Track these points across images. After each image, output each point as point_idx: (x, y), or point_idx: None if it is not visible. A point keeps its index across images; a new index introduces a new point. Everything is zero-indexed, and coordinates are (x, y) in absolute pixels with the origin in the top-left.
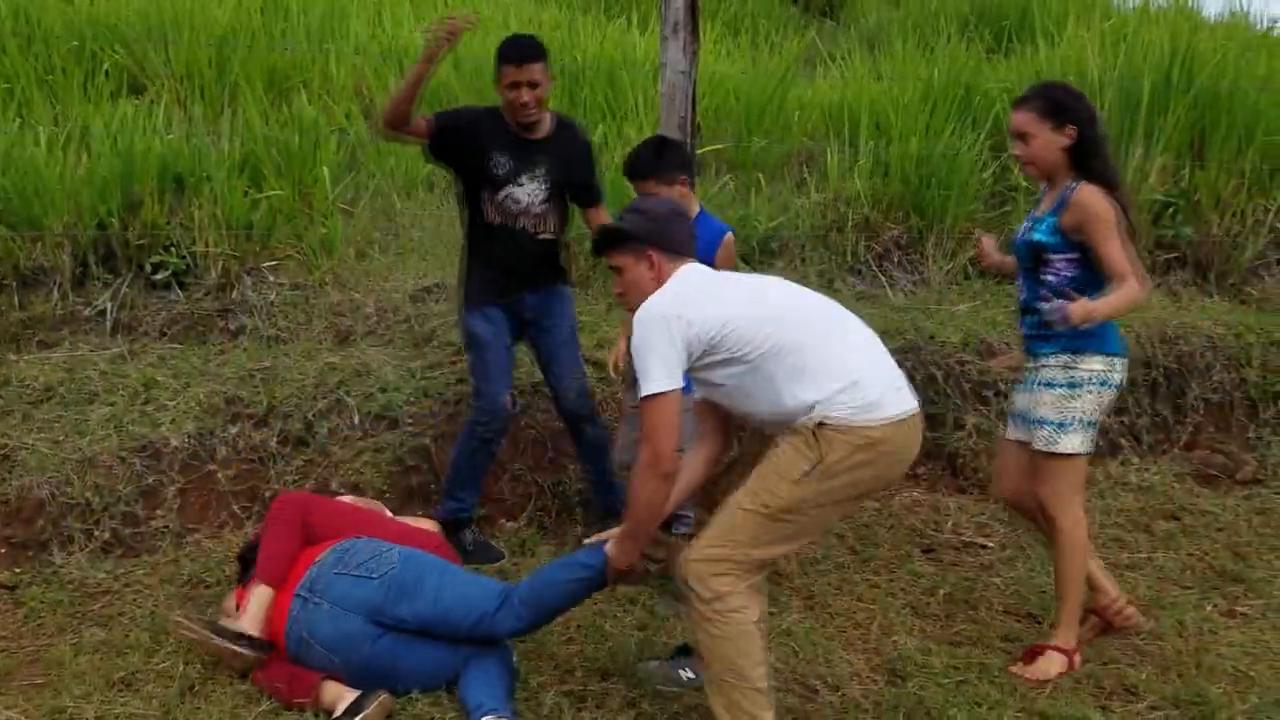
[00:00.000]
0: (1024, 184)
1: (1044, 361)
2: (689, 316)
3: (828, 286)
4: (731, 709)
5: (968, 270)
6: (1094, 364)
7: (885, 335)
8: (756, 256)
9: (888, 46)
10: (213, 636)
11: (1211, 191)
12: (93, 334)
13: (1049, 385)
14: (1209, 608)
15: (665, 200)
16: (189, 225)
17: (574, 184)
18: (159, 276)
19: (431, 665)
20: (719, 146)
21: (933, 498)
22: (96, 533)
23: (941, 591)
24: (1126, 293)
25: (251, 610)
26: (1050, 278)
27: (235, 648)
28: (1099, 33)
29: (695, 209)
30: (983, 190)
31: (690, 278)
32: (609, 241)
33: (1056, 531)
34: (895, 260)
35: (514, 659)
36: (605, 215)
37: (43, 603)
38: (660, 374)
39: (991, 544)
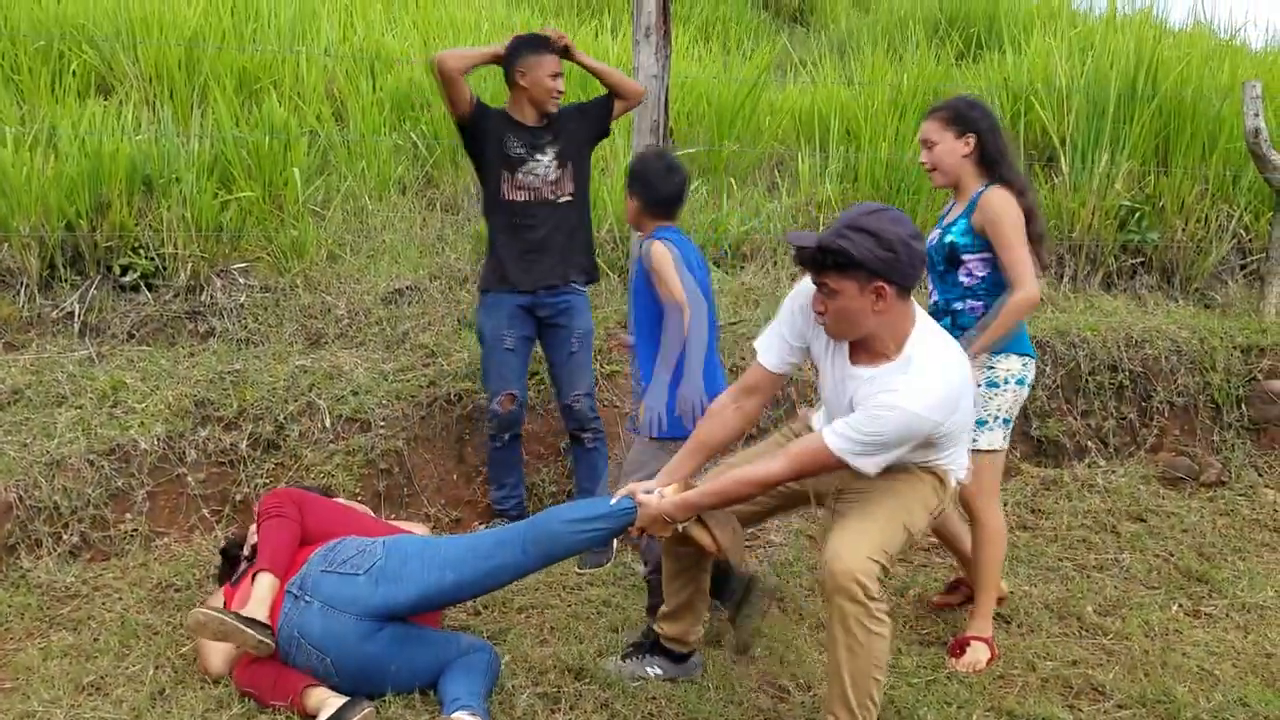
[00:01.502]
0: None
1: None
2: (944, 427)
3: None
4: (866, 703)
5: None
6: (1011, 364)
7: None
8: (729, 260)
9: (857, 52)
10: (236, 621)
11: (1176, 197)
12: (60, 336)
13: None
14: (1174, 608)
15: (900, 218)
16: (158, 227)
17: (583, 134)
18: (127, 278)
19: (423, 665)
20: (691, 150)
21: None
22: (65, 536)
23: (911, 592)
24: (1011, 309)
25: (260, 595)
26: (964, 278)
27: (257, 635)
28: (1066, 40)
29: None
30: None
31: (951, 364)
32: (829, 264)
33: (977, 525)
34: None
35: (499, 663)
36: (618, 76)
37: (10, 607)
38: (870, 467)
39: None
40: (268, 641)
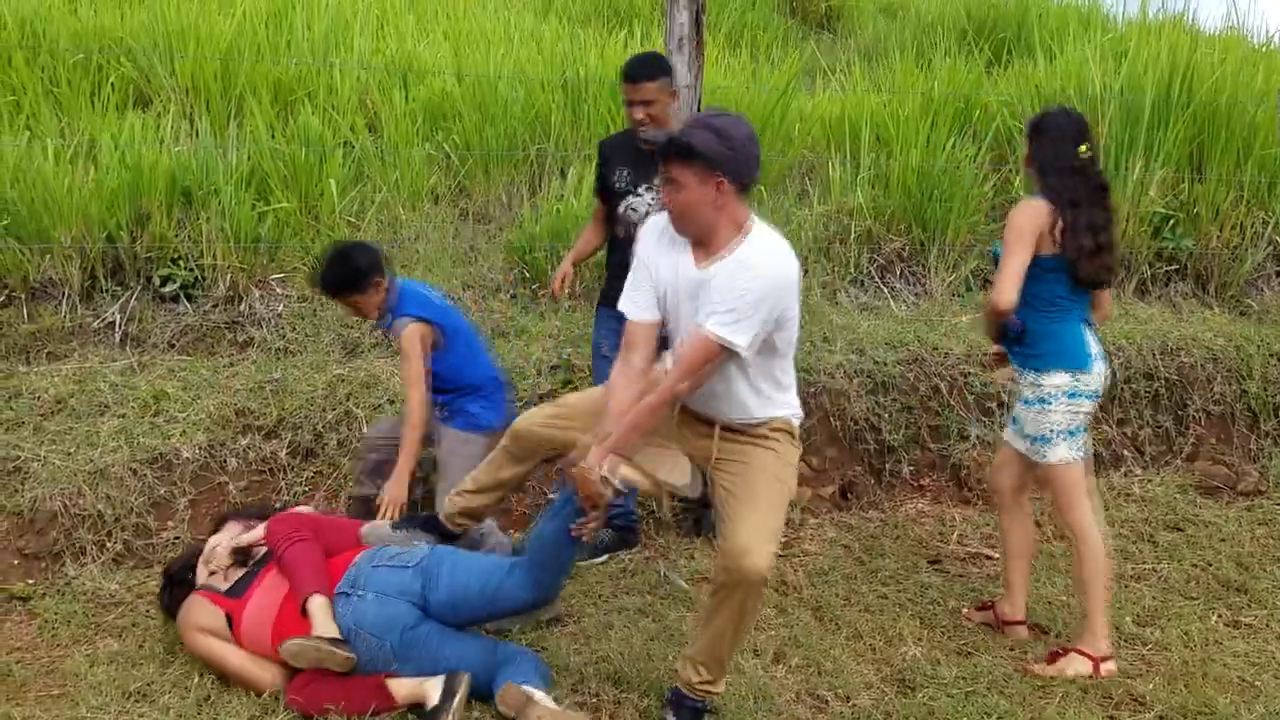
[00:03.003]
0: (1024, 197)
1: (1021, 380)
2: (789, 301)
3: (830, 298)
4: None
5: (970, 282)
6: (1057, 379)
7: (889, 346)
8: None
9: (885, 59)
10: (328, 645)
11: (1211, 204)
12: (102, 346)
13: (1026, 403)
14: (1214, 618)
15: (741, 121)
16: (197, 238)
17: None
18: (167, 289)
19: (474, 661)
20: None
21: (938, 509)
22: (109, 544)
23: (949, 602)
24: (983, 313)
25: (322, 619)
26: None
27: (345, 652)
28: (1098, 46)
29: None
30: (984, 203)
31: (781, 242)
32: (675, 153)
33: (1077, 540)
34: (898, 272)
35: (548, 670)
36: None
37: (57, 614)
38: (743, 339)
39: (997, 554)
40: (352, 656)
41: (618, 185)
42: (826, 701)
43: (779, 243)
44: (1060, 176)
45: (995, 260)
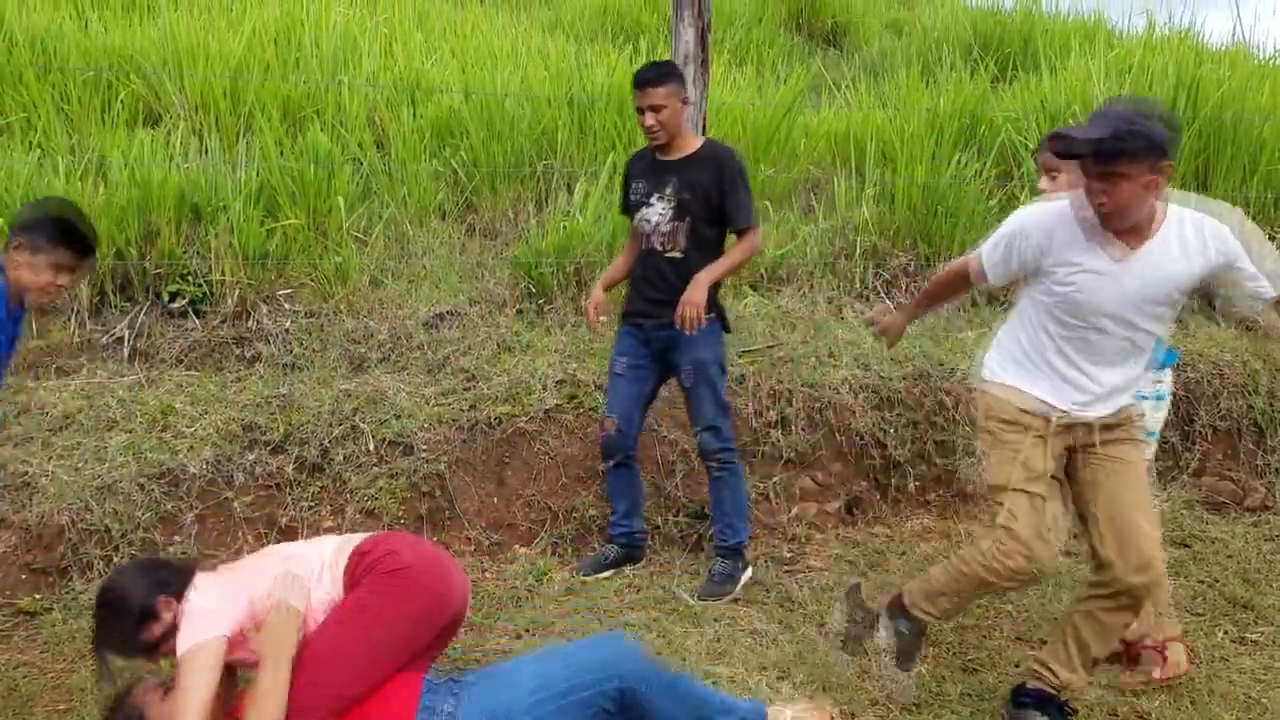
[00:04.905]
0: None
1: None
2: None
3: (836, 313)
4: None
5: (974, 298)
6: (1169, 378)
7: (894, 362)
8: (765, 283)
9: (891, 75)
10: None
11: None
12: (110, 361)
13: (1142, 397)
14: (1220, 634)
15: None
16: (205, 254)
17: (702, 206)
18: (176, 305)
19: None
20: None
21: (944, 525)
22: (116, 559)
23: (954, 620)
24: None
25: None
26: None
27: None
28: (1103, 61)
29: None
30: (989, 218)
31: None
32: (1125, 152)
33: None
34: (903, 287)
35: None
36: (753, 240)
37: (63, 630)
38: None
39: None
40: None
41: (633, 198)
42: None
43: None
44: None
45: None
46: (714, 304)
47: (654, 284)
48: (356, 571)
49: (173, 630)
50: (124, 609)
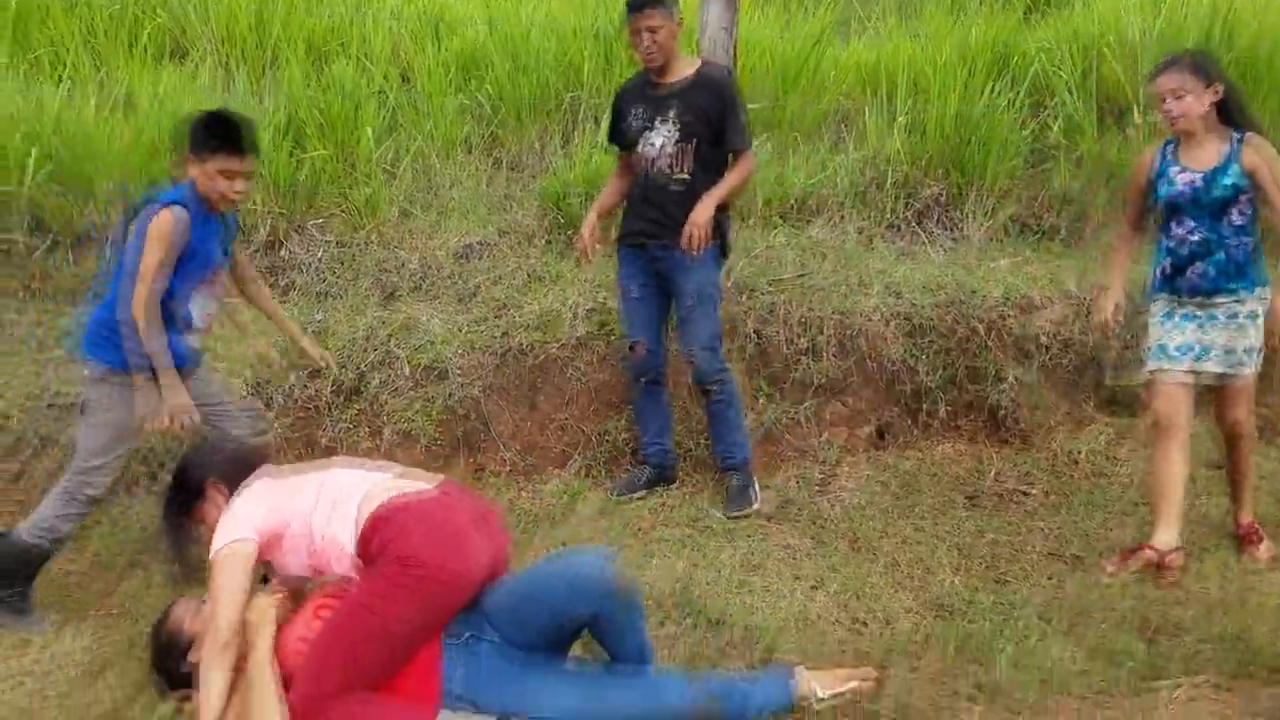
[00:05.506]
0: (1063, 142)
1: (1241, 297)
2: None
3: (867, 245)
4: None
5: (1008, 227)
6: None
7: (926, 290)
8: (795, 214)
9: (920, 10)
10: None
11: None
12: None
13: (1253, 317)
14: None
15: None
16: None
17: (705, 128)
18: None
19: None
20: (755, 107)
21: (975, 449)
22: (160, 476)
23: (986, 536)
24: None
25: None
26: (1236, 217)
27: None
28: None
29: None
30: (1022, 148)
31: None
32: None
33: (1246, 439)
34: (935, 218)
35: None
36: (749, 163)
37: (113, 542)
38: None
39: (1035, 491)
40: None
41: (633, 125)
42: (865, 624)
43: None
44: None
45: (1230, 192)
46: (715, 228)
47: (658, 207)
48: (371, 542)
49: (216, 520)
50: (183, 481)
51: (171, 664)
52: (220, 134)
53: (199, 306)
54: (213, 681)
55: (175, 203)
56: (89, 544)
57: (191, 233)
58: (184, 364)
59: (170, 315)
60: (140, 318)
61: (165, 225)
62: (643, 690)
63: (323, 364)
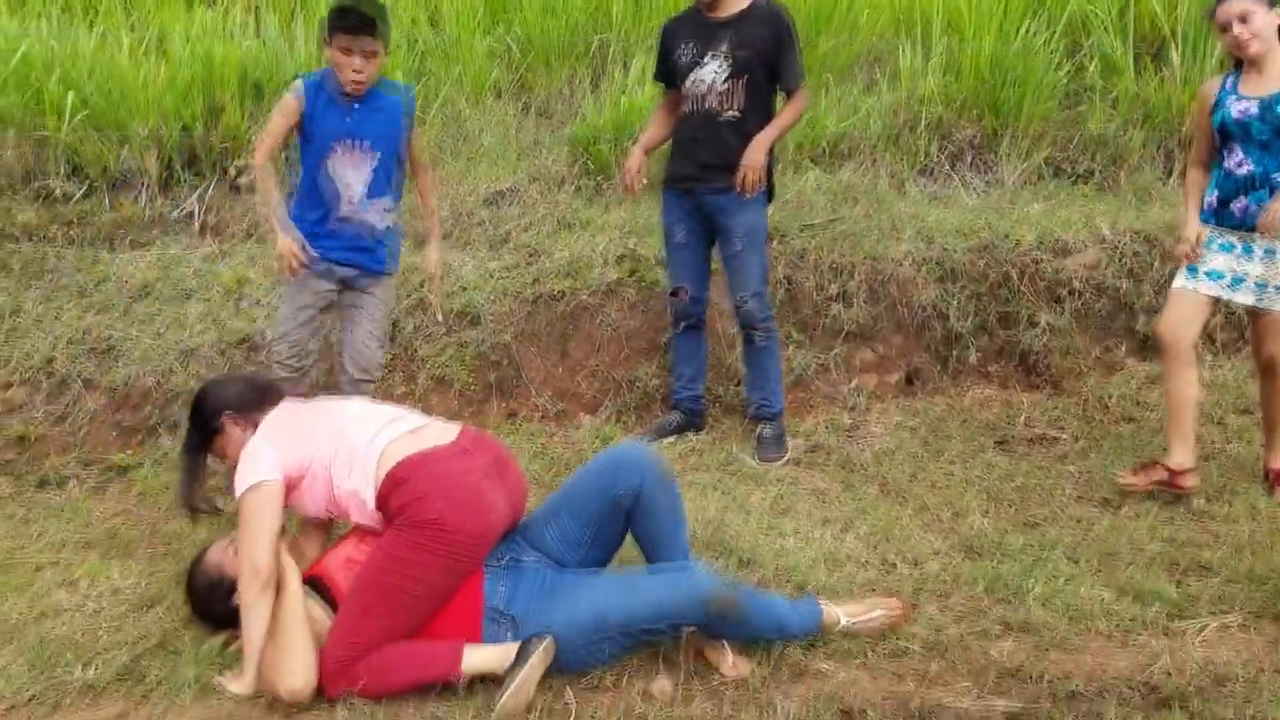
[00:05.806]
0: (1099, 83)
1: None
2: None
3: (899, 188)
4: None
5: (1042, 170)
6: None
7: (958, 234)
8: (826, 158)
9: None
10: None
11: None
12: (182, 235)
13: None
14: None
15: None
16: None
17: (760, 63)
18: (242, 180)
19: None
20: None
21: (1005, 394)
22: None
23: (1016, 479)
24: None
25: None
26: None
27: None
28: None
29: None
30: (1058, 89)
31: None
32: None
33: (1275, 372)
34: (968, 161)
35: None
36: (803, 101)
37: (156, 482)
38: None
39: (1065, 436)
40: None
41: (683, 60)
42: (895, 565)
43: None
44: None
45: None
46: (766, 170)
47: (708, 146)
48: (390, 501)
49: (236, 454)
50: (198, 414)
51: (217, 606)
52: (339, 15)
53: (341, 181)
54: (257, 621)
55: (301, 78)
56: (134, 484)
57: (313, 108)
58: (330, 250)
59: (315, 188)
60: (257, 175)
61: (284, 96)
62: (673, 576)
63: (429, 295)
